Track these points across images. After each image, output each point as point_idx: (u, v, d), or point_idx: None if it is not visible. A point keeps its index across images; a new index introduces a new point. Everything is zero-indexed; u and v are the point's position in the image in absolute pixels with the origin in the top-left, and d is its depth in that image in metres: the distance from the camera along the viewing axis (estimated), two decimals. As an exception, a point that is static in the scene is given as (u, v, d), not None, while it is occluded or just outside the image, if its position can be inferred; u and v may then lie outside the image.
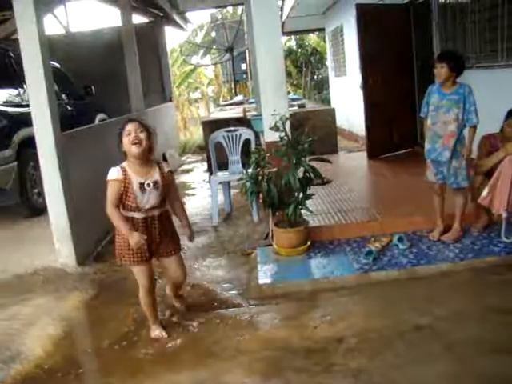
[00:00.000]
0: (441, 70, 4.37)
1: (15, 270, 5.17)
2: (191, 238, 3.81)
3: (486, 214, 4.81)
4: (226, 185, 6.72)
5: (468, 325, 3.41)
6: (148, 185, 3.40)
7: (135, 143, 3.36)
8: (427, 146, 4.63)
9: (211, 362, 3.29)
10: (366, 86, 8.03)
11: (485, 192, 4.42)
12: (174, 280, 3.87)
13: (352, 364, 3.10)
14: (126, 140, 3.39)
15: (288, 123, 4.74)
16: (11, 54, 7.25)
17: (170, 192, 3.59)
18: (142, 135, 3.40)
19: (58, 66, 8.81)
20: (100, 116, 9.83)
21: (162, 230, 3.57)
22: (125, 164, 3.45)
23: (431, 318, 3.51)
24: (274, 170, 4.75)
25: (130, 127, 3.40)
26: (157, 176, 3.46)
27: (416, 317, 3.54)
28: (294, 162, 4.58)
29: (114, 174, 3.40)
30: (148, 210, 3.46)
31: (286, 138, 4.67)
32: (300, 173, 4.71)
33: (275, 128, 4.69)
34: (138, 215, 3.45)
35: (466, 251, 4.47)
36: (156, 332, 3.66)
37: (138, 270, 3.54)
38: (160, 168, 3.51)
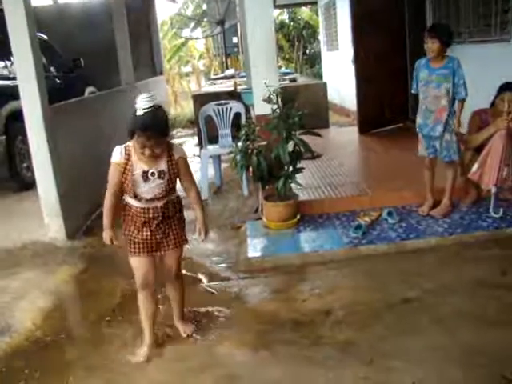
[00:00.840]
0: (432, 46, 4.33)
1: (4, 244, 5.15)
2: (203, 236, 3.28)
3: (475, 190, 4.83)
4: (217, 158, 6.69)
5: (456, 298, 3.44)
6: (152, 174, 2.94)
7: (149, 155, 2.89)
8: (419, 120, 4.61)
9: (199, 333, 3.30)
10: (358, 61, 7.96)
11: (475, 167, 4.43)
12: (166, 276, 3.36)
13: (340, 336, 3.13)
14: (137, 146, 2.88)
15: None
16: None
17: (182, 180, 3.13)
18: (158, 150, 2.89)
19: (46, 37, 8.66)
20: (89, 89, 9.71)
21: (167, 222, 3.12)
22: (131, 145, 2.94)
23: (420, 291, 3.55)
24: (264, 143, 4.73)
25: (144, 141, 2.82)
26: (163, 165, 2.96)
27: (404, 290, 3.58)
28: (285, 135, 4.55)
29: (116, 155, 2.94)
30: (149, 200, 3.00)
31: (277, 110, 4.64)
32: (290, 147, 4.69)
33: (268, 100, 4.65)
34: (137, 204, 3.03)
35: (454, 226, 4.49)
36: (138, 356, 3.15)
37: (133, 261, 3.15)
38: (170, 154, 2.99)
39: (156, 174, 2.95)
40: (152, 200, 3.01)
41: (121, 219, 3.12)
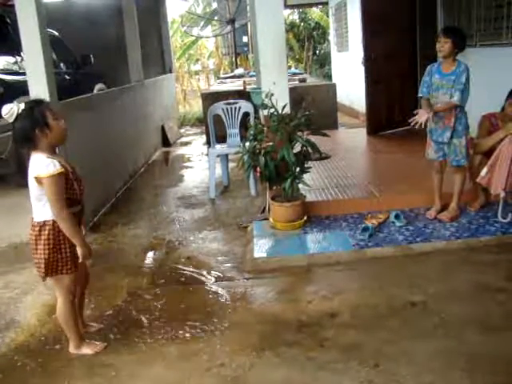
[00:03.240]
0: (444, 45, 4.30)
1: (10, 239, 5.17)
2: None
3: (484, 194, 4.80)
4: (224, 158, 6.69)
5: (461, 303, 3.42)
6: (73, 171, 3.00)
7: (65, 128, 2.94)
8: (429, 125, 4.59)
9: (204, 334, 3.30)
10: (368, 62, 7.93)
11: (484, 171, 4.40)
12: (82, 285, 3.34)
13: (345, 339, 3.11)
14: (55, 123, 2.87)
15: (274, 99, 4.69)
16: (8, 21, 7.13)
17: None
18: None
19: (56, 33, 8.69)
20: (98, 86, 9.73)
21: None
22: (44, 154, 2.85)
23: (425, 295, 3.53)
24: (271, 143, 4.72)
25: (52, 110, 2.90)
26: None
27: (410, 293, 3.56)
28: (287, 137, 4.54)
29: (54, 166, 2.79)
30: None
31: (275, 113, 4.63)
32: (298, 147, 4.68)
33: (263, 106, 4.67)
34: (76, 209, 2.99)
35: (462, 230, 4.46)
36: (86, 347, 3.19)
37: (73, 277, 3.05)
38: None
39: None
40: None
41: (47, 242, 2.91)
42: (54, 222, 2.88)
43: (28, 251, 4.83)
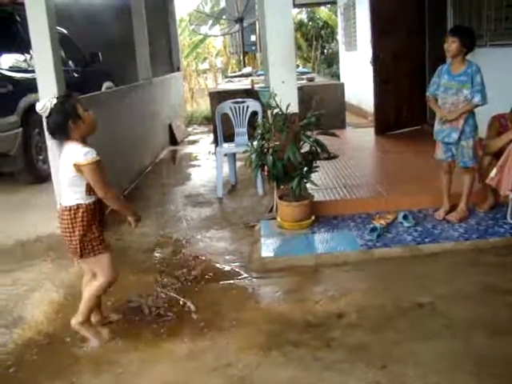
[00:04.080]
0: (452, 45, 4.27)
1: (18, 236, 5.18)
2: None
3: (493, 195, 4.77)
4: (232, 157, 6.68)
5: (469, 304, 3.40)
6: None
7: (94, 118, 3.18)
8: (436, 126, 4.57)
9: (211, 332, 3.29)
10: (377, 62, 7.91)
11: (493, 172, 4.37)
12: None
13: (352, 340, 3.10)
14: (86, 114, 3.09)
15: (279, 98, 4.68)
16: (18, 19, 7.15)
17: None
18: None
19: (65, 31, 8.71)
20: (107, 84, 9.74)
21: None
22: (79, 144, 3.08)
23: (433, 296, 3.51)
24: (278, 143, 4.71)
25: (82, 103, 3.13)
26: None
27: (418, 295, 3.54)
28: (293, 137, 4.53)
29: (92, 154, 3.04)
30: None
31: (280, 113, 4.62)
32: (306, 146, 4.67)
33: (268, 107, 4.66)
34: (93, 199, 3.18)
35: (470, 231, 4.44)
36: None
37: (110, 257, 3.27)
38: None
39: None
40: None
41: (81, 223, 3.11)
42: (86, 205, 3.11)
43: (36, 249, 4.90)
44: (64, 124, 3.02)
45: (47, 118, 3.05)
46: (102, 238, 3.20)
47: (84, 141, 3.13)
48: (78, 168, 3.02)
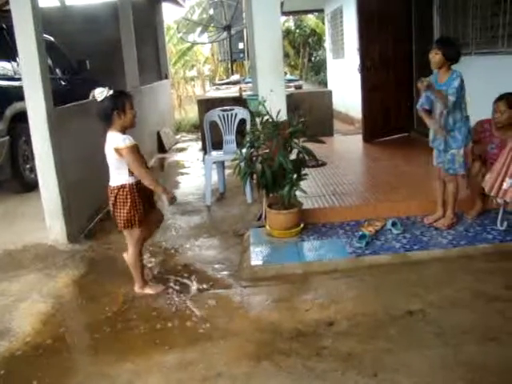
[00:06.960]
0: (435, 56, 4.30)
1: (5, 246, 5.12)
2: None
3: (481, 202, 4.79)
4: (221, 164, 6.66)
5: (459, 311, 3.41)
6: None
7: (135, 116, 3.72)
8: (430, 135, 4.60)
9: (201, 342, 3.27)
10: (364, 69, 7.95)
11: (488, 176, 4.37)
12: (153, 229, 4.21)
13: (343, 348, 3.09)
14: (130, 111, 3.65)
15: (268, 105, 4.67)
16: (3, 26, 7.10)
17: None
18: None
19: (52, 39, 8.67)
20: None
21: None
22: (119, 133, 3.64)
23: (423, 303, 3.51)
24: (268, 151, 4.70)
25: (132, 103, 3.69)
26: None
27: (408, 302, 3.54)
28: (282, 144, 4.52)
29: (129, 140, 3.59)
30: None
31: (270, 120, 4.62)
32: (294, 154, 4.66)
33: (257, 114, 4.66)
34: (135, 179, 3.71)
35: (459, 238, 4.45)
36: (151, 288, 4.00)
37: (142, 230, 3.81)
38: None
39: None
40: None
41: (124, 200, 3.66)
42: (129, 184, 3.65)
43: (23, 258, 4.85)
44: (110, 113, 3.58)
45: (99, 102, 3.58)
46: (140, 215, 3.69)
47: (124, 131, 3.65)
48: (119, 152, 3.56)
